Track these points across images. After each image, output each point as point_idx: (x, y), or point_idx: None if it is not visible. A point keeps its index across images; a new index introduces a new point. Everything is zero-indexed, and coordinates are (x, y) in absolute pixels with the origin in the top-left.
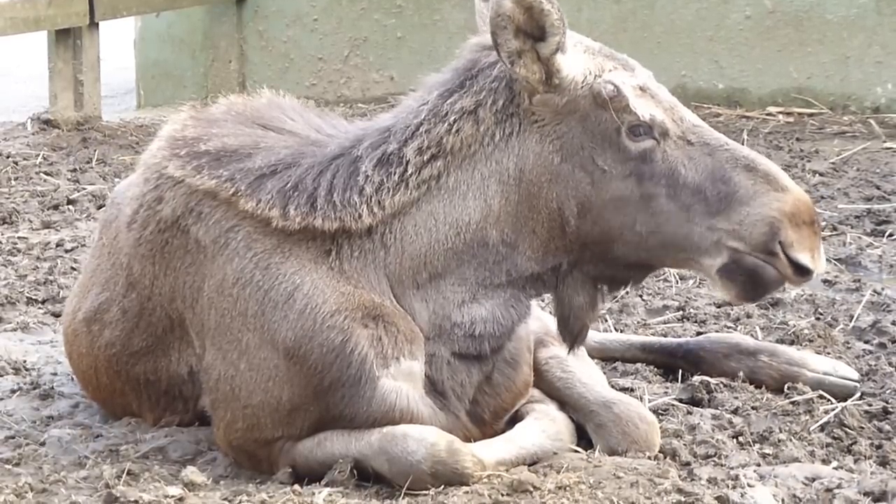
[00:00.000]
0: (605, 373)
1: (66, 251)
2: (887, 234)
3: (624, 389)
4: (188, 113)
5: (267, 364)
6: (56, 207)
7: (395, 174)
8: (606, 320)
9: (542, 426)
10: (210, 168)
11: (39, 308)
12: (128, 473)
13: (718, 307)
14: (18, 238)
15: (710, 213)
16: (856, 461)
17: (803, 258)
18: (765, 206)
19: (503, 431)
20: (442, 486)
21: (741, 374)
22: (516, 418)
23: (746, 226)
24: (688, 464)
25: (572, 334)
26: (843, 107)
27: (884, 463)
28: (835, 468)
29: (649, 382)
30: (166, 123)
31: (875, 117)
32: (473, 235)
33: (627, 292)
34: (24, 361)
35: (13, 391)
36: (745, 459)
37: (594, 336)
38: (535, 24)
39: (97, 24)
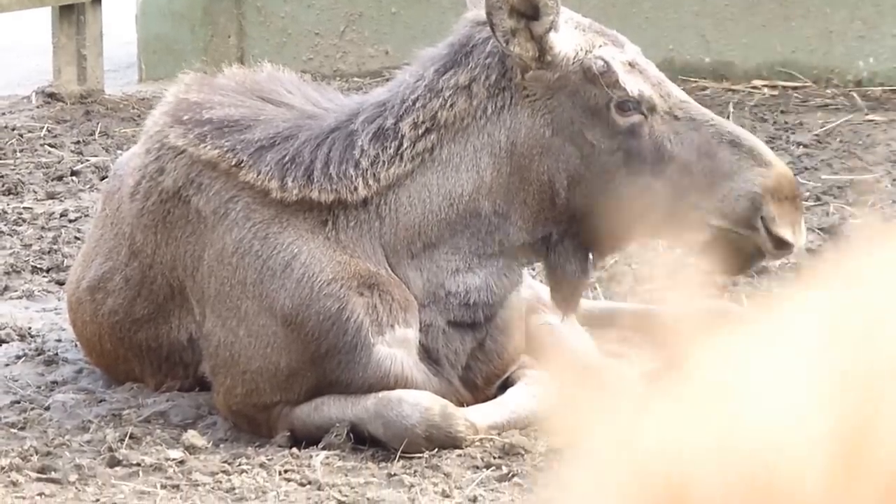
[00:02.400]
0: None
1: (70, 221)
2: (869, 204)
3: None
4: (195, 76)
5: (265, 331)
6: (60, 178)
7: (390, 148)
8: (596, 288)
9: (533, 391)
10: (213, 138)
11: (44, 276)
12: (130, 437)
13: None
14: (24, 208)
15: (695, 187)
16: None
17: (784, 232)
18: (748, 181)
19: (495, 396)
20: (436, 449)
21: None
22: (508, 383)
23: (729, 201)
24: None
25: (564, 301)
26: (827, 80)
27: None
28: None
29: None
30: (173, 85)
31: (857, 90)
32: (466, 206)
33: (617, 261)
34: (30, 328)
35: (18, 357)
36: None
37: (584, 304)
38: (529, 4)
39: (100, 0)
